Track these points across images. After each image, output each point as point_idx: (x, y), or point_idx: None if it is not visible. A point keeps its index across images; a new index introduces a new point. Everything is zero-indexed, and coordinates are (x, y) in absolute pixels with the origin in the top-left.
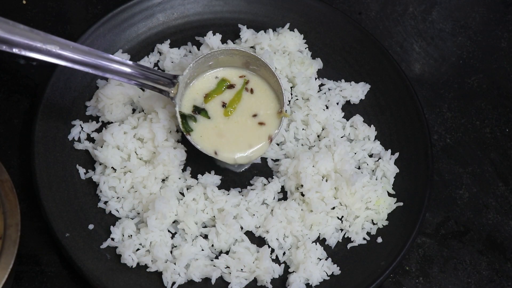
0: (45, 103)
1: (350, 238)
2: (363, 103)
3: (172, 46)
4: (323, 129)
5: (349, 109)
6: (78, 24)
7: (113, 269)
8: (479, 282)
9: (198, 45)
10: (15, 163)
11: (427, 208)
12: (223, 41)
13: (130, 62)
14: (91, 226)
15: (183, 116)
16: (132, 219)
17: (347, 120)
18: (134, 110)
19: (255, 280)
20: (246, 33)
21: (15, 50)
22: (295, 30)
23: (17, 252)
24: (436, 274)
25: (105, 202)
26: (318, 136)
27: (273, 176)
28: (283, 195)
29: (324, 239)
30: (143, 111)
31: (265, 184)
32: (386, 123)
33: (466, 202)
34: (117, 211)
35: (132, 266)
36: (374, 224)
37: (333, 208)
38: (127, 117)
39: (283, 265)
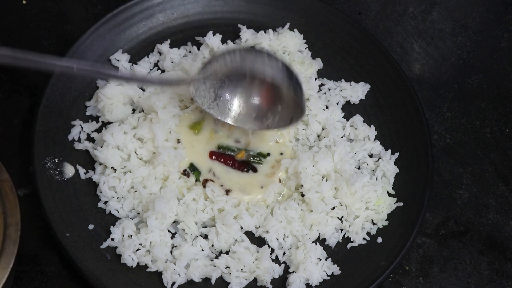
0: (45, 103)
1: (350, 238)
2: (363, 103)
3: (172, 46)
4: (323, 129)
5: (349, 109)
6: (78, 24)
7: (113, 269)
8: (479, 282)
9: (198, 45)
10: (15, 163)
11: (427, 208)
12: (223, 41)
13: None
14: (91, 226)
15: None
16: (132, 219)
17: (347, 120)
18: (134, 110)
19: (255, 280)
20: (246, 33)
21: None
22: (295, 30)
23: (17, 252)
24: (436, 274)
25: (105, 202)
26: (318, 136)
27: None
28: (283, 195)
29: (324, 239)
30: (143, 111)
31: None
32: (386, 123)
33: (466, 202)
34: (117, 211)
35: (132, 266)
36: (374, 224)
37: (333, 208)
38: (127, 117)
39: (283, 265)
